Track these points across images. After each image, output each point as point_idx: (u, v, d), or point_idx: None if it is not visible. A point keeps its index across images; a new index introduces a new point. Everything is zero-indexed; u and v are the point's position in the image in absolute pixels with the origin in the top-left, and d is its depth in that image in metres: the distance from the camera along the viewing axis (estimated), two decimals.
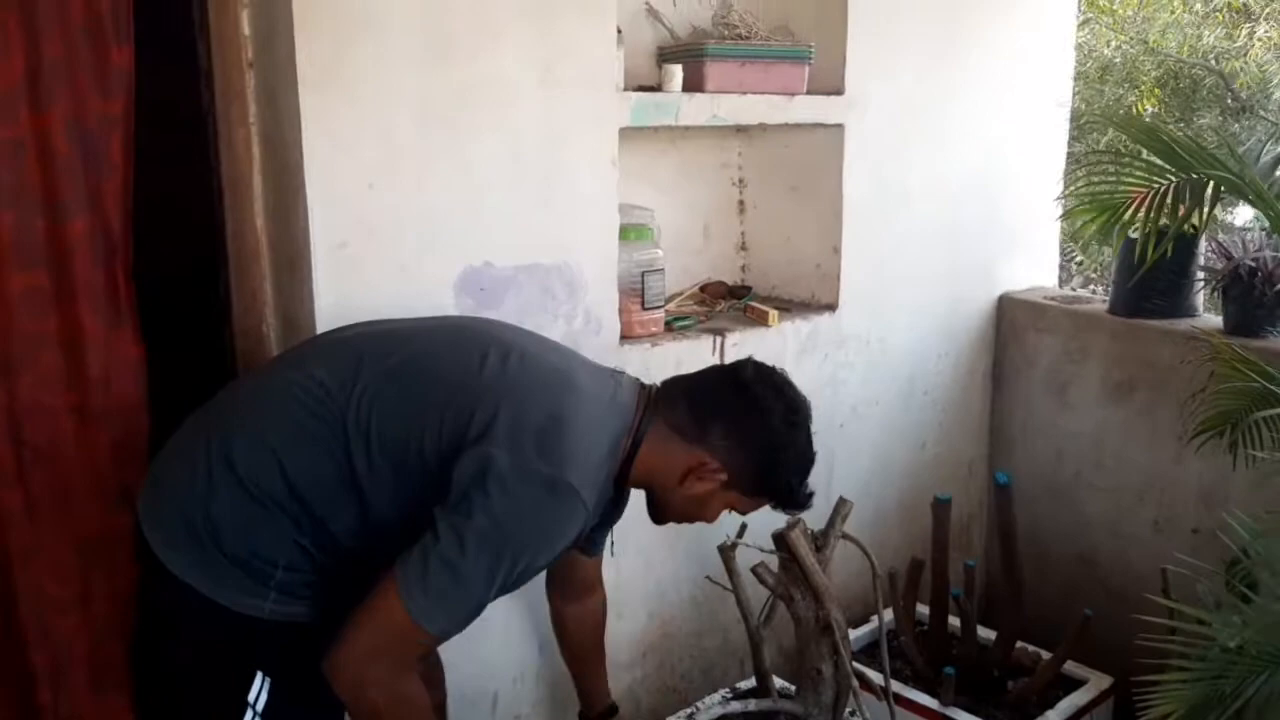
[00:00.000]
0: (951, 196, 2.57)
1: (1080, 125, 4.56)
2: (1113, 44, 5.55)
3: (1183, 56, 5.38)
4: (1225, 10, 5.70)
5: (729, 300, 2.42)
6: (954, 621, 2.23)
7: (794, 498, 1.56)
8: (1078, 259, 5.26)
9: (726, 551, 1.88)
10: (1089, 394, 2.59)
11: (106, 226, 1.60)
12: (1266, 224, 2.02)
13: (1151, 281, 2.36)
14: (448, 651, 1.72)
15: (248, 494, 1.33)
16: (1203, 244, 2.44)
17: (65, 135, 1.53)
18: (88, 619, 1.65)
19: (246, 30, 1.65)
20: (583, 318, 1.95)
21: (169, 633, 1.42)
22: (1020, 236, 2.77)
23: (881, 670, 1.86)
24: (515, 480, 1.30)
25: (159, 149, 1.77)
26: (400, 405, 1.37)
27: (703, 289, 2.46)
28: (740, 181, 2.53)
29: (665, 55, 2.21)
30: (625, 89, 1.98)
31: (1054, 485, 2.68)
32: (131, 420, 1.65)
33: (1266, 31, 5.39)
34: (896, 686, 2.02)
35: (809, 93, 2.23)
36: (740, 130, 2.45)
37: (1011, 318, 2.74)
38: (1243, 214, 4.01)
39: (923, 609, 2.28)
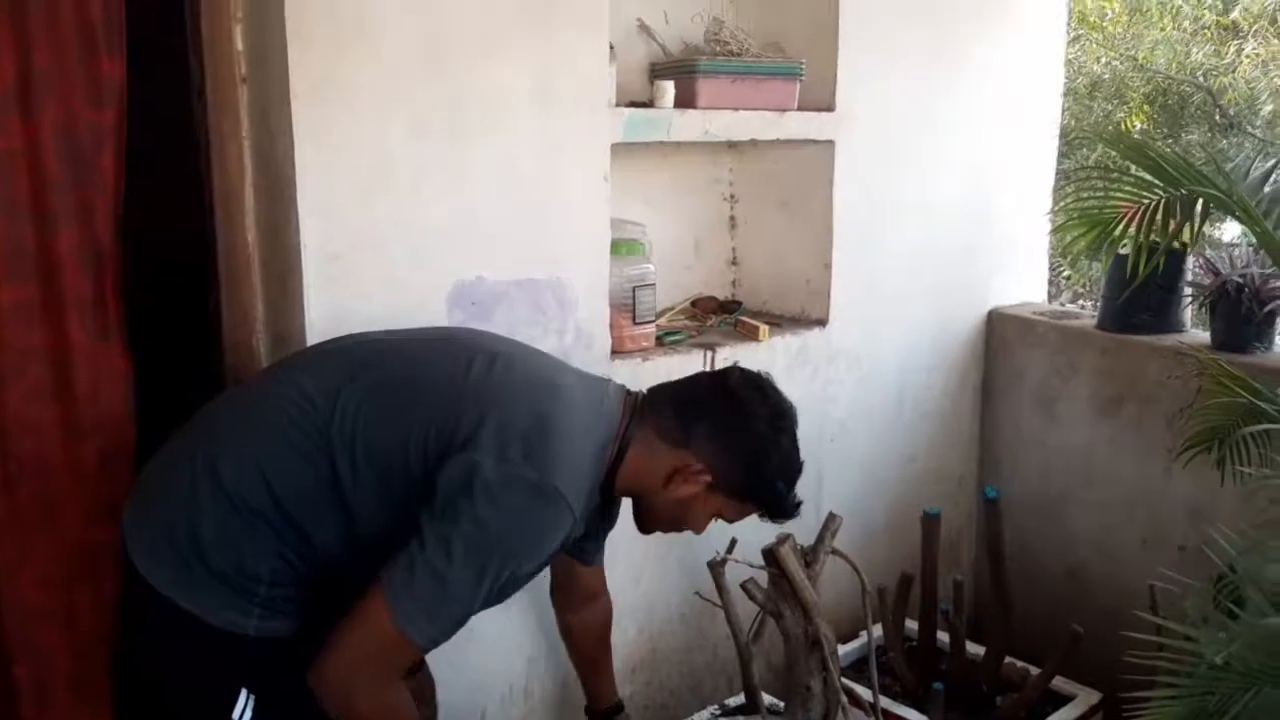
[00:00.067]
0: (941, 212, 2.58)
1: (1069, 141, 4.59)
2: (1102, 60, 5.59)
3: (1171, 73, 5.41)
4: (1214, 27, 5.75)
5: (720, 315, 2.42)
6: (943, 637, 2.24)
7: (780, 503, 1.55)
8: (1066, 274, 5.28)
9: (716, 567, 1.88)
10: (1078, 409, 2.60)
11: (96, 239, 1.59)
12: (1253, 240, 2.03)
13: (1140, 297, 2.37)
14: (437, 668, 1.71)
15: (233, 507, 1.33)
16: (1190, 260, 2.46)
17: (55, 146, 1.53)
18: (72, 632, 1.64)
19: (239, 44, 1.65)
20: (574, 332, 1.96)
21: (153, 649, 1.41)
22: (1009, 252, 2.78)
23: (870, 686, 1.86)
24: (501, 486, 1.30)
25: (151, 161, 1.77)
26: (385, 415, 1.37)
27: (694, 304, 2.47)
28: (731, 197, 2.54)
29: (657, 71, 2.22)
30: (617, 105, 1.99)
31: (1043, 500, 2.68)
32: (118, 434, 1.64)
33: (1254, 48, 5.43)
34: (885, 702, 2.02)
35: (800, 109, 2.24)
36: (732, 146, 2.46)
37: (1001, 333, 2.75)
38: (1230, 229, 4.03)
39: (912, 624, 2.28)
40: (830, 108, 2.28)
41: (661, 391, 1.57)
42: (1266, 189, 1.95)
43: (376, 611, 1.27)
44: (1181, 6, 5.74)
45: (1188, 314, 2.51)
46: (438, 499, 1.30)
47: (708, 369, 2.18)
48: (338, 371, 1.42)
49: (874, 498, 2.58)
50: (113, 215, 1.61)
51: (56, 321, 1.57)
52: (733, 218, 2.55)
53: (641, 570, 2.15)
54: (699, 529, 1.58)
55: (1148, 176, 1.92)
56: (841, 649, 2.19)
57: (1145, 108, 5.48)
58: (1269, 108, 5.24)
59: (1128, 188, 1.98)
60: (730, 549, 1.91)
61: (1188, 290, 2.47)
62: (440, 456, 1.33)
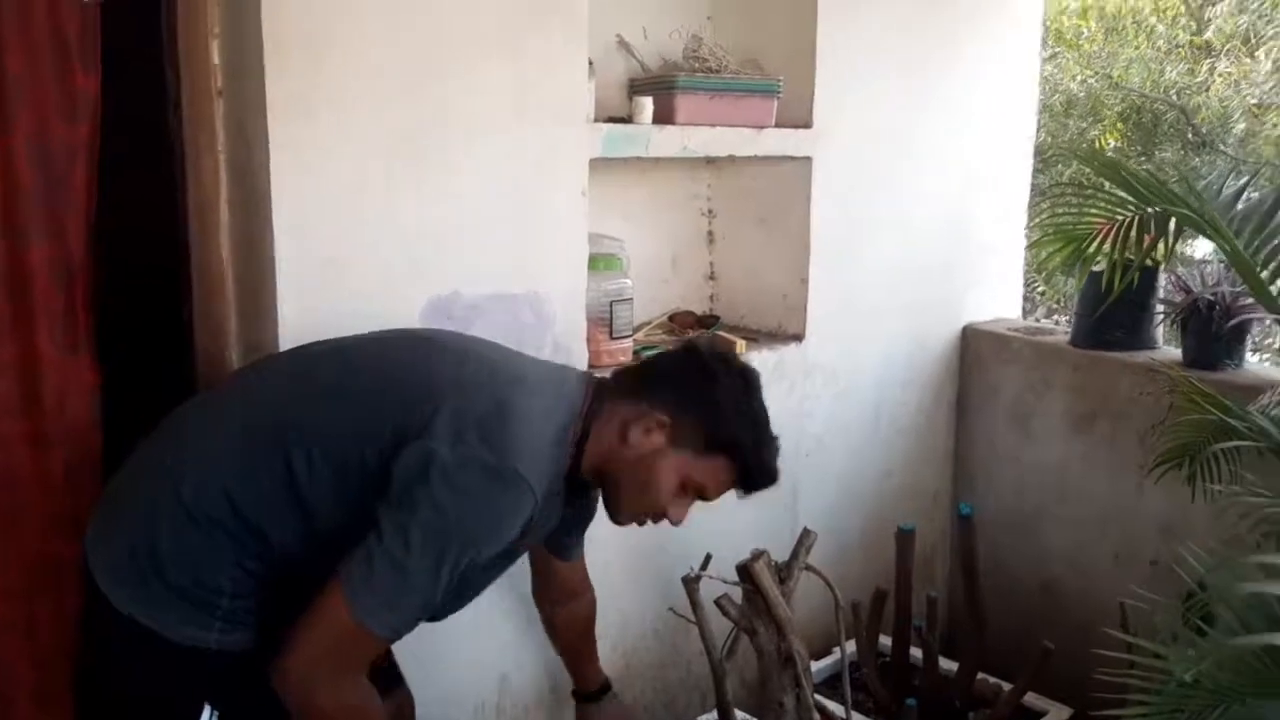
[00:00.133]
0: (917, 228, 2.60)
1: (1045, 158, 4.64)
2: (1078, 78, 5.65)
3: (1145, 91, 5.48)
4: (1187, 47, 5.82)
5: (697, 330, 2.43)
6: (916, 653, 2.24)
7: (747, 456, 1.47)
8: (1041, 289, 5.33)
9: (690, 583, 1.88)
10: (1051, 425, 2.62)
11: (67, 253, 1.58)
12: (1224, 258, 2.05)
13: (1112, 314, 2.39)
14: (411, 685, 1.71)
15: (190, 519, 1.31)
16: (1162, 277, 2.48)
17: (27, 159, 1.52)
18: (33, 644, 1.62)
19: (216, 58, 1.64)
20: (551, 346, 1.95)
21: (114, 666, 1.39)
22: (984, 268, 2.80)
23: (843, 702, 1.87)
24: (458, 470, 1.28)
25: (125, 175, 1.76)
26: (341, 411, 1.36)
27: (671, 318, 2.47)
28: (709, 212, 2.55)
29: (636, 87, 2.22)
30: (596, 120, 2.00)
31: (1017, 516, 2.70)
32: (84, 445, 1.63)
33: (1227, 68, 5.51)
34: (858, 718, 2.03)
35: (778, 126, 2.26)
36: (710, 162, 2.47)
37: (975, 349, 2.77)
38: (1201, 246, 4.08)
39: (885, 640, 2.29)
40: (808, 125, 2.30)
41: (625, 370, 1.57)
42: (1238, 207, 1.98)
43: (335, 605, 1.25)
44: (1156, 26, 5.82)
45: (1160, 331, 2.54)
46: (394, 488, 1.28)
47: None
48: (296, 375, 1.43)
49: (849, 513, 2.59)
50: (84, 229, 1.59)
51: (26, 334, 1.56)
52: (711, 233, 2.56)
53: (616, 586, 2.14)
54: (668, 501, 1.48)
55: (1121, 194, 1.94)
56: (815, 664, 2.19)
57: (1120, 125, 5.54)
58: (1241, 126, 5.31)
59: (1102, 204, 2.00)
60: (705, 565, 1.91)
61: (1160, 307, 2.49)
62: (395, 447, 1.31)
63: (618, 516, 1.52)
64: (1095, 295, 2.38)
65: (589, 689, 1.87)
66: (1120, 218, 1.93)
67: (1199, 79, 5.53)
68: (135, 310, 2.03)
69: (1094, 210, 2.01)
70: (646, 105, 2.09)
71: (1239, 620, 1.45)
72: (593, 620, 1.86)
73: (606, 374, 1.57)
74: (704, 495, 1.51)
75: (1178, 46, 5.81)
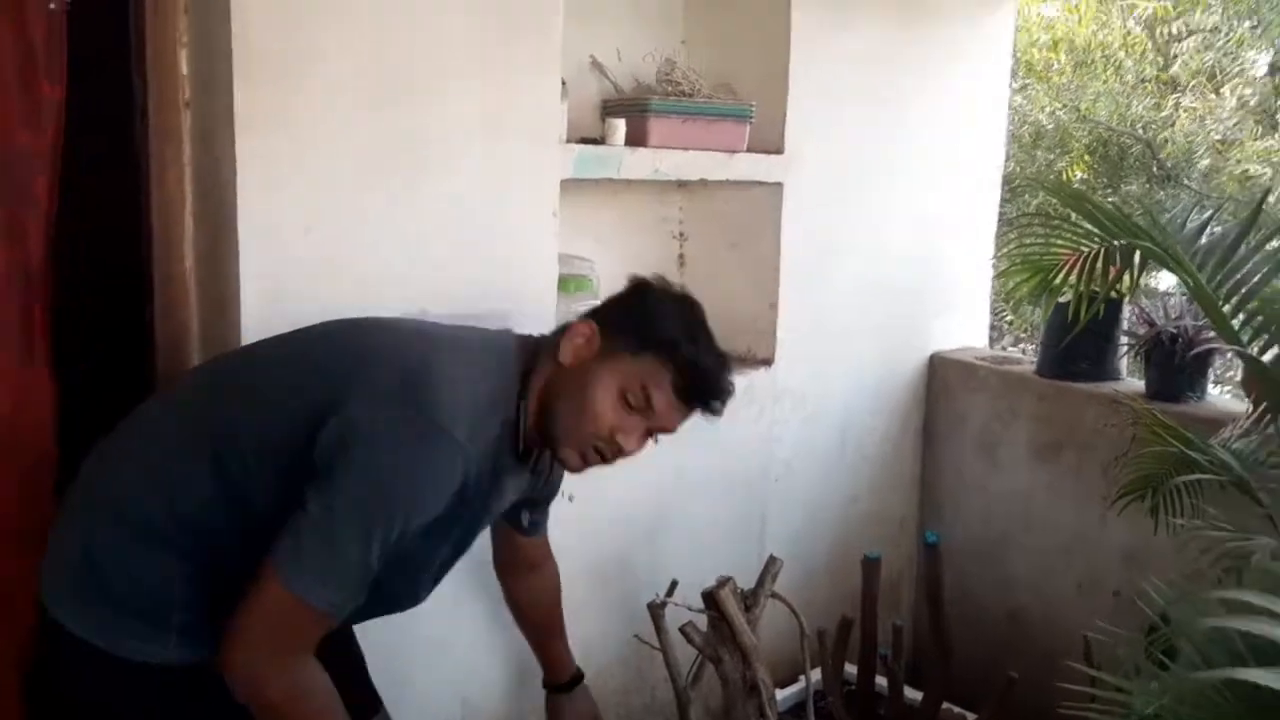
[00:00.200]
0: (886, 256, 2.61)
1: (1013, 188, 4.69)
2: (1046, 110, 5.73)
3: (1112, 125, 5.57)
4: (1154, 82, 5.93)
5: None
6: (881, 681, 2.23)
7: (684, 355, 1.39)
8: (1009, 318, 5.38)
9: (655, 609, 1.87)
10: (1017, 454, 2.63)
11: (26, 262, 1.56)
12: (1187, 291, 2.08)
13: (1077, 345, 2.41)
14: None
15: (132, 534, 1.29)
16: (1127, 309, 2.51)
17: None
18: None
19: (184, 69, 1.62)
20: None
21: (67, 691, 1.35)
22: (952, 296, 2.82)
23: None
24: (376, 433, 1.24)
25: (89, 185, 1.73)
26: (268, 404, 1.33)
27: None
28: (681, 235, 2.55)
29: (609, 109, 2.22)
30: (568, 141, 1.99)
31: (983, 544, 2.71)
32: (40, 461, 1.59)
33: (1192, 103, 5.61)
34: None
35: (750, 151, 2.26)
36: (681, 185, 2.48)
37: (943, 376, 2.78)
38: (1166, 278, 4.14)
39: (851, 669, 2.28)
40: (779, 150, 2.31)
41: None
42: (1201, 241, 2.00)
43: (268, 585, 1.21)
44: (1124, 60, 5.91)
45: (1124, 362, 2.56)
46: (318, 465, 1.25)
47: None
48: (216, 370, 1.43)
49: (816, 539, 2.59)
50: (44, 238, 1.57)
51: None
52: (682, 256, 2.56)
53: (581, 610, 2.12)
54: (609, 414, 1.37)
55: (1087, 226, 1.96)
56: (780, 693, 2.17)
57: (1087, 157, 5.62)
58: (1205, 161, 5.40)
59: (1068, 236, 2.02)
60: (670, 591, 1.90)
61: (1124, 339, 2.52)
62: (321, 426, 1.27)
63: (564, 449, 1.40)
64: (1060, 326, 2.41)
65: (560, 680, 1.82)
66: (1086, 250, 1.95)
67: (1165, 114, 5.63)
68: (96, 320, 1.99)
69: (1060, 242, 2.03)
70: (619, 127, 2.09)
71: (1200, 655, 1.45)
72: (558, 597, 1.81)
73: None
74: (652, 414, 1.39)
75: (1144, 81, 5.92)
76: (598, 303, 2.11)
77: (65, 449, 1.64)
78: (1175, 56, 5.83)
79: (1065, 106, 5.68)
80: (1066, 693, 1.54)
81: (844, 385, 2.58)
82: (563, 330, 1.46)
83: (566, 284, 2.04)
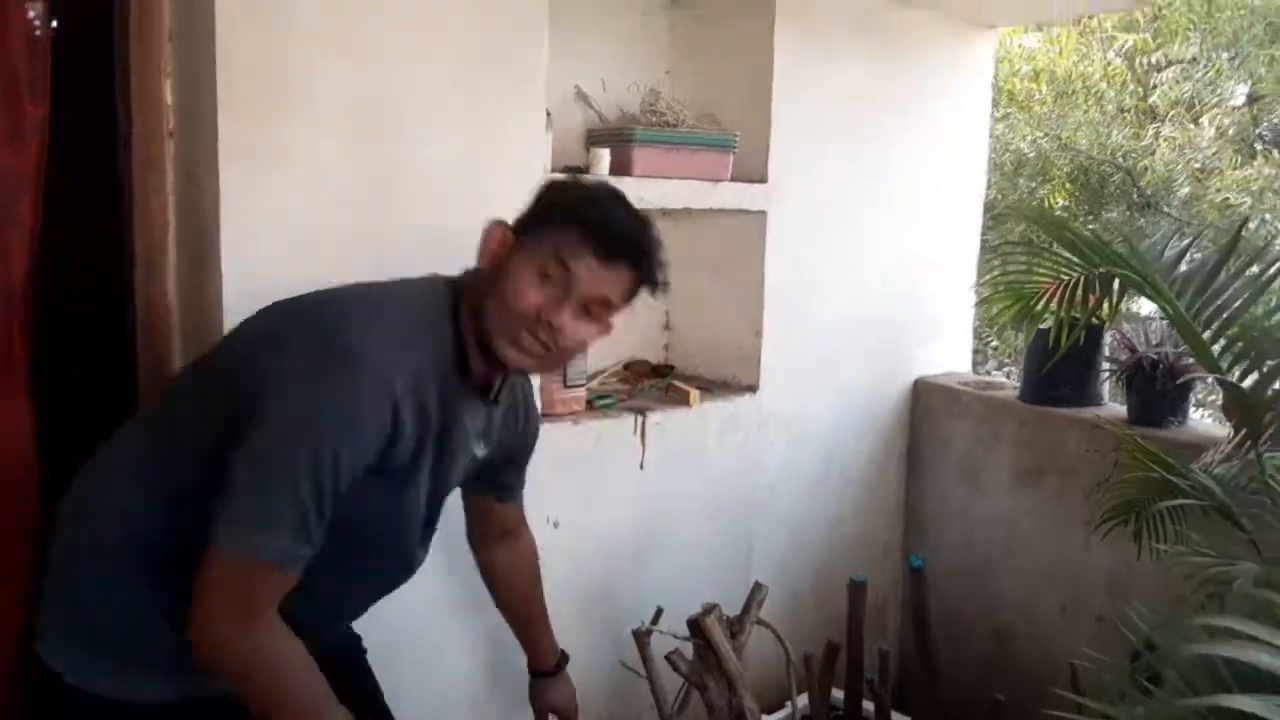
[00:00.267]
0: (870, 282, 2.63)
1: (995, 216, 4.73)
2: (1028, 139, 5.80)
3: (1093, 153, 5.63)
4: (1134, 112, 6.00)
5: (652, 379, 2.43)
6: (869, 706, 2.22)
7: (587, 215, 1.33)
8: (994, 344, 5.41)
9: (641, 637, 1.86)
10: (1000, 479, 2.64)
11: (9, 282, 1.55)
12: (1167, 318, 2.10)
13: (1059, 370, 2.42)
14: None
15: (113, 568, 1.27)
16: (1108, 335, 2.53)
17: None
18: None
19: (169, 99, 1.63)
20: None
21: None
22: (936, 322, 2.84)
23: None
24: (288, 373, 1.21)
25: (73, 209, 1.73)
26: (209, 404, 1.30)
27: (626, 367, 2.47)
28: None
29: (594, 138, 2.24)
30: (553, 170, 2.00)
31: (967, 569, 2.71)
32: (18, 491, 1.58)
33: (1171, 132, 5.68)
34: None
35: (733, 180, 2.28)
36: (666, 213, 2.49)
37: (927, 401, 2.80)
38: (1148, 304, 4.18)
39: (838, 694, 2.27)
40: (763, 179, 2.33)
41: None
42: (1181, 268, 2.02)
43: (211, 554, 1.17)
44: (1104, 91, 5.99)
45: (1106, 388, 2.58)
46: (241, 429, 1.21)
47: (639, 436, 2.19)
48: (166, 391, 1.41)
49: (801, 564, 2.58)
50: (27, 260, 1.56)
51: None
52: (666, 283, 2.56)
53: (566, 638, 2.10)
54: (532, 291, 1.30)
55: (1067, 254, 1.98)
56: (768, 719, 2.16)
57: (1068, 185, 5.68)
58: (1185, 190, 5.47)
59: (1049, 264, 2.03)
60: (656, 619, 1.90)
61: (1105, 365, 2.53)
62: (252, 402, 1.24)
63: (499, 344, 1.32)
64: (1042, 352, 2.42)
65: (546, 665, 1.78)
66: (1067, 277, 1.97)
67: (1144, 143, 5.70)
68: (78, 344, 1.99)
69: (1042, 269, 2.05)
70: (604, 157, 2.10)
71: (1185, 681, 1.46)
72: (536, 569, 1.77)
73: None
74: (575, 282, 1.31)
75: (1124, 111, 6.00)
76: None
77: (45, 473, 1.63)
78: (1155, 87, 5.90)
79: (1047, 135, 5.75)
80: (1053, 718, 1.54)
81: (829, 411, 2.59)
82: None
83: None
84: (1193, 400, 2.48)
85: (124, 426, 1.42)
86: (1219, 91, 5.64)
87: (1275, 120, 6.02)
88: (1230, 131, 5.61)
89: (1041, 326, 2.30)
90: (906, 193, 2.68)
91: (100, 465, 1.36)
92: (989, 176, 3.07)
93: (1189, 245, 2.10)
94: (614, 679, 2.20)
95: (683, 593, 2.00)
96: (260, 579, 1.20)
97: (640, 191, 2.12)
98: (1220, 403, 2.86)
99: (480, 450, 1.47)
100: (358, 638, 1.60)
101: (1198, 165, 5.49)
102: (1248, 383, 1.87)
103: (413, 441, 1.27)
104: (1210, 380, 2.25)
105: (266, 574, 1.19)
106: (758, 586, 1.91)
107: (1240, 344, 1.88)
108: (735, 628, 1.83)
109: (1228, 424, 2.27)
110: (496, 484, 1.64)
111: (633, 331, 2.53)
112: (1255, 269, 1.94)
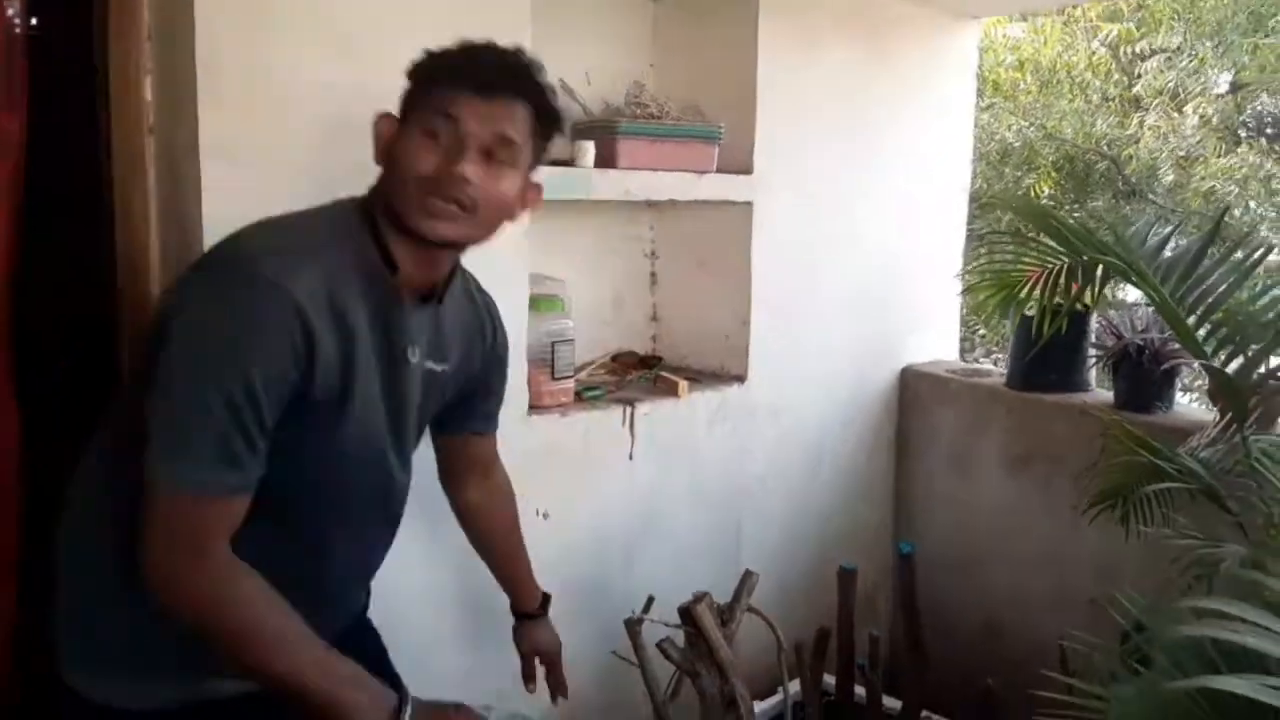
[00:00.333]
0: (857, 272, 2.64)
1: (981, 205, 4.75)
2: (1013, 128, 5.82)
3: (1078, 142, 5.65)
4: (1118, 100, 6.03)
5: (640, 370, 2.43)
6: (860, 691, 2.24)
7: (452, 53, 1.30)
8: (981, 331, 5.43)
9: (632, 626, 1.86)
10: (989, 465, 2.65)
11: None
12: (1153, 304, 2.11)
13: (1046, 357, 2.44)
14: None
15: (99, 574, 1.25)
16: (1095, 321, 2.54)
17: None
18: None
19: (148, 96, 1.62)
20: None
21: None
22: (923, 310, 2.85)
23: None
24: (183, 306, 1.17)
25: (53, 213, 1.72)
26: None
27: (614, 359, 2.47)
28: (652, 254, 2.56)
29: (578, 131, 2.23)
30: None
31: (957, 555, 2.72)
32: (2, 485, 1.57)
33: (1155, 121, 5.71)
34: None
35: (719, 171, 2.28)
36: (652, 205, 2.49)
37: (915, 389, 2.80)
38: (1134, 290, 4.20)
39: (829, 679, 2.28)
40: (748, 170, 2.33)
41: None
42: (1165, 255, 2.03)
43: (146, 499, 1.14)
44: (1089, 80, 6.02)
45: (1093, 374, 2.59)
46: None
47: (628, 427, 2.19)
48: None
49: (791, 553, 2.59)
50: (7, 268, 1.55)
51: None
52: (653, 274, 2.57)
53: (557, 627, 2.11)
54: (419, 151, 1.25)
55: (1053, 243, 1.99)
56: (760, 705, 2.17)
57: (1053, 174, 5.71)
58: (1170, 177, 5.50)
59: (1035, 252, 2.04)
60: (647, 607, 1.90)
61: (1092, 351, 2.55)
62: None
63: (412, 217, 1.26)
64: (1028, 339, 2.44)
65: (531, 606, 1.76)
66: (1051, 265, 1.98)
67: (1129, 131, 5.73)
68: (61, 348, 1.98)
69: (1028, 257, 2.06)
70: (588, 149, 2.10)
71: (1174, 662, 1.47)
72: (513, 507, 1.73)
73: None
74: (462, 126, 1.25)
75: (1109, 100, 6.02)
76: (569, 322, 2.13)
77: (32, 471, 1.62)
78: (1139, 76, 5.93)
79: (1032, 125, 5.77)
80: (1043, 700, 1.55)
81: (817, 400, 2.60)
82: None
83: (537, 304, 2.05)
84: (1179, 385, 2.49)
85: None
86: (1203, 80, 5.67)
87: (1259, 108, 6.05)
88: (1214, 120, 5.64)
89: (1028, 314, 2.31)
90: (892, 183, 2.68)
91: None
92: (975, 166, 3.08)
93: (1172, 232, 2.11)
94: (606, 668, 2.20)
95: (673, 582, 2.00)
96: (194, 511, 1.15)
97: (626, 183, 2.13)
98: (1206, 387, 2.89)
99: (438, 365, 1.40)
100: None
101: (1182, 153, 5.52)
102: (1233, 367, 1.89)
103: (336, 356, 1.21)
104: (1196, 365, 2.27)
105: (198, 505, 1.15)
106: (748, 574, 1.92)
107: (1225, 329, 1.90)
108: (726, 615, 1.84)
109: (1213, 408, 2.29)
110: (476, 414, 1.58)
111: (620, 323, 2.53)
112: (1239, 255, 1.95)
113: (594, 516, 2.17)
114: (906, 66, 2.69)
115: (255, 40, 1.58)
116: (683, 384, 2.29)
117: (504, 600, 1.78)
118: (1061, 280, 1.96)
